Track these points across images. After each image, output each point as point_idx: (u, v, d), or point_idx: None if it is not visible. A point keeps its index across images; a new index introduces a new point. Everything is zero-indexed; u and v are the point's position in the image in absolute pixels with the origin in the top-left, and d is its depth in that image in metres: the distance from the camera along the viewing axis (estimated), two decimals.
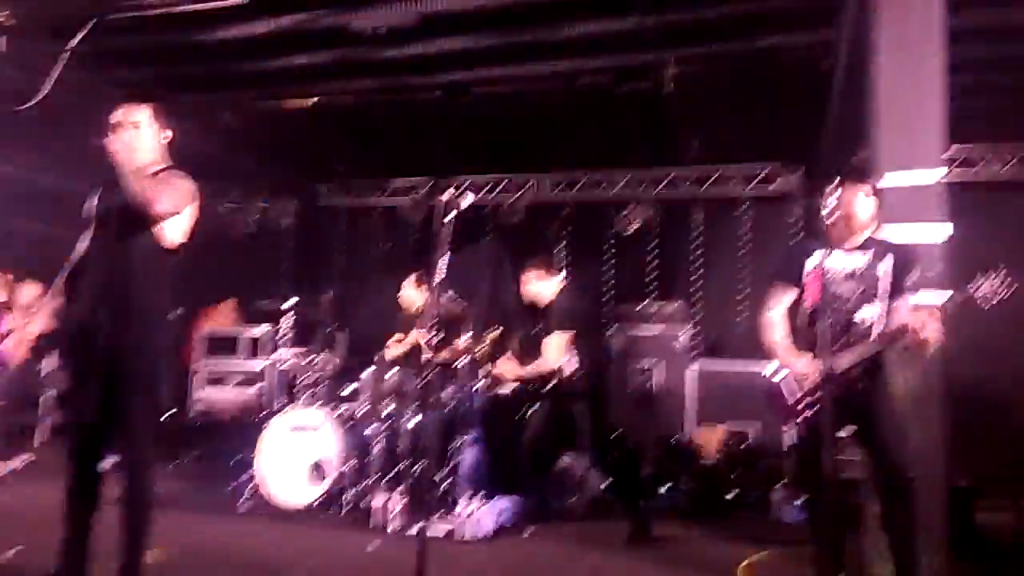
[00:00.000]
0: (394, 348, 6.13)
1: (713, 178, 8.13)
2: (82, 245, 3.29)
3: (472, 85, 7.02)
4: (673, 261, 8.22)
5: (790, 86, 6.31)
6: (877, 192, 3.60)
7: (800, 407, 3.46)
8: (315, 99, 7.56)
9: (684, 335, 7.07)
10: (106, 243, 3.19)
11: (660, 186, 8.27)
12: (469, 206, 3.55)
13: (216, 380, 7.43)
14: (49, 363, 6.80)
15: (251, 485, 5.32)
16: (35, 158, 8.87)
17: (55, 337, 3.58)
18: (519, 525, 4.99)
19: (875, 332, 3.43)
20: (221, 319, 8.15)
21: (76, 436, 3.20)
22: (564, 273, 5.52)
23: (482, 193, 8.95)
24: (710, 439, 6.29)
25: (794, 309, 3.69)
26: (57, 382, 7.96)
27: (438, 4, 5.56)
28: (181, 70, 6.90)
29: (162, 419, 7.29)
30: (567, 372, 5.23)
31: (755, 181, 8.04)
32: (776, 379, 3.60)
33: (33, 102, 6.31)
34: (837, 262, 3.47)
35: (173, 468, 6.65)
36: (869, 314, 3.46)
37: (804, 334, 3.53)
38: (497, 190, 8.95)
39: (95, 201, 3.27)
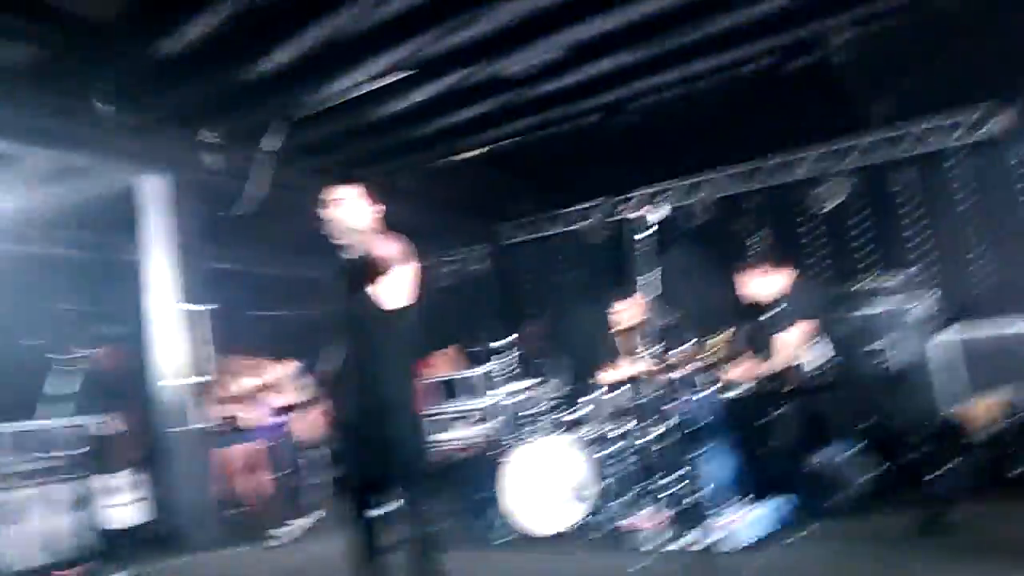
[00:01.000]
0: (610, 373, 6.18)
1: (916, 134, 7.54)
2: (326, 321, 3.48)
3: (630, 100, 7.06)
4: (887, 230, 7.69)
5: (984, 20, 5.77)
6: None
7: None
8: (485, 148, 7.94)
9: (919, 306, 6.52)
10: (348, 318, 3.39)
11: (854, 156, 7.79)
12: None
13: (445, 423, 7.87)
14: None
15: (501, 518, 5.49)
16: (255, 252, 9.97)
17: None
18: (786, 530, 4.74)
19: None
20: (445, 366, 8.63)
21: (356, 494, 3.41)
22: (785, 268, 5.27)
23: (659, 202, 8.88)
24: (976, 412, 5.69)
25: None
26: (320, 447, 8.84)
27: (583, 32, 5.66)
28: (362, 147, 7.47)
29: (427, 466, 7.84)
30: (807, 366, 4.97)
31: (960, 129, 7.36)
32: None
33: (255, 205, 7.14)
34: None
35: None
36: None
37: None
38: (675, 197, 8.85)
39: (329, 281, 3.51)
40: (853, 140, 7.78)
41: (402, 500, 3.36)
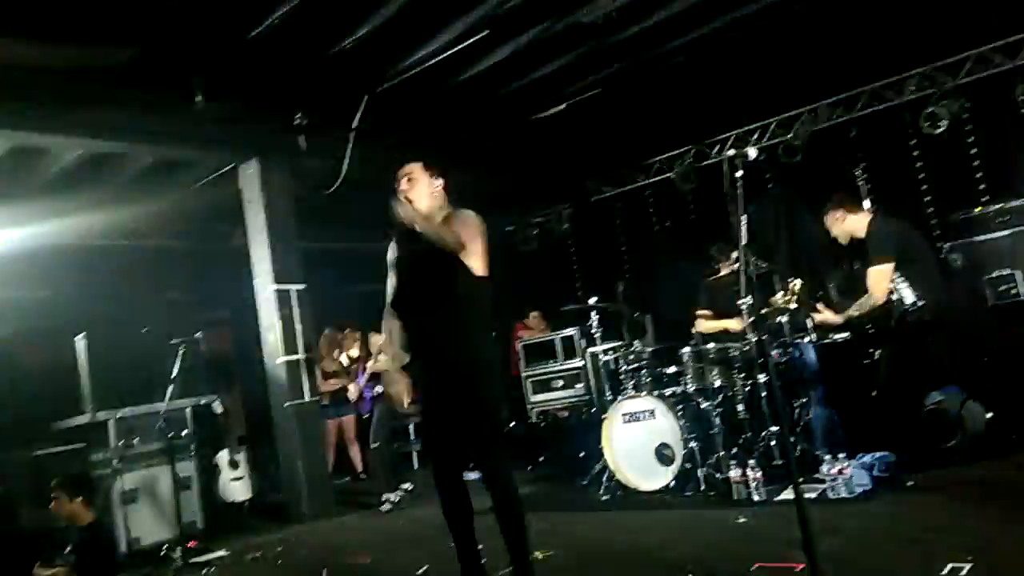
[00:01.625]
0: (706, 323, 5.97)
1: None
2: (389, 289, 3.53)
3: (715, 36, 6.71)
4: (1003, 153, 7.02)
5: None
6: None
7: None
8: (566, 103, 7.76)
9: None
10: (412, 285, 3.42)
11: (963, 73, 7.15)
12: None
13: (543, 385, 7.86)
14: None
15: (606, 475, 5.47)
16: (343, 230, 10.18)
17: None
18: (896, 477, 4.49)
19: None
20: (533, 331, 8.62)
21: (438, 459, 3.47)
22: (869, 202, 4.88)
23: (752, 143, 8.49)
24: None
25: None
26: (413, 413, 9.05)
27: None
28: (445, 115, 7.43)
29: (507, 430, 7.93)
30: (906, 303, 4.60)
31: None
32: None
33: (337, 184, 7.26)
34: None
35: (530, 472, 7.11)
36: None
37: None
38: (767, 136, 8.42)
39: (392, 252, 3.56)
40: (961, 56, 7.11)
41: (484, 465, 3.39)
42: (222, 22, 5.30)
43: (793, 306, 4.87)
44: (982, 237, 6.17)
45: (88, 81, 5.53)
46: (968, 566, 2.95)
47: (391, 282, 3.53)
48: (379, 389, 6.62)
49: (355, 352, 6.93)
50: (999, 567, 2.96)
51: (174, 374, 5.61)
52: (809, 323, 5.30)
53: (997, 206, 6.26)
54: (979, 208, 6.34)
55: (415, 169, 3.49)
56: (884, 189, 7.42)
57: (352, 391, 7.62)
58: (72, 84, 5.50)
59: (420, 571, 4.23)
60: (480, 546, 3.44)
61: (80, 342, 6.20)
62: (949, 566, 2.97)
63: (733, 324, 5.56)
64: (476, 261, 3.34)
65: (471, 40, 5.98)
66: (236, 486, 6.81)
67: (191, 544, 5.62)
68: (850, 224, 5.01)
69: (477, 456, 3.42)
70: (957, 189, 7.11)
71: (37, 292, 7.38)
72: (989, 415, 4.92)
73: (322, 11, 5.25)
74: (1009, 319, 5.83)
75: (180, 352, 5.57)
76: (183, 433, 6.27)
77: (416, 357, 3.45)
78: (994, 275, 6.00)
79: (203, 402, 6.51)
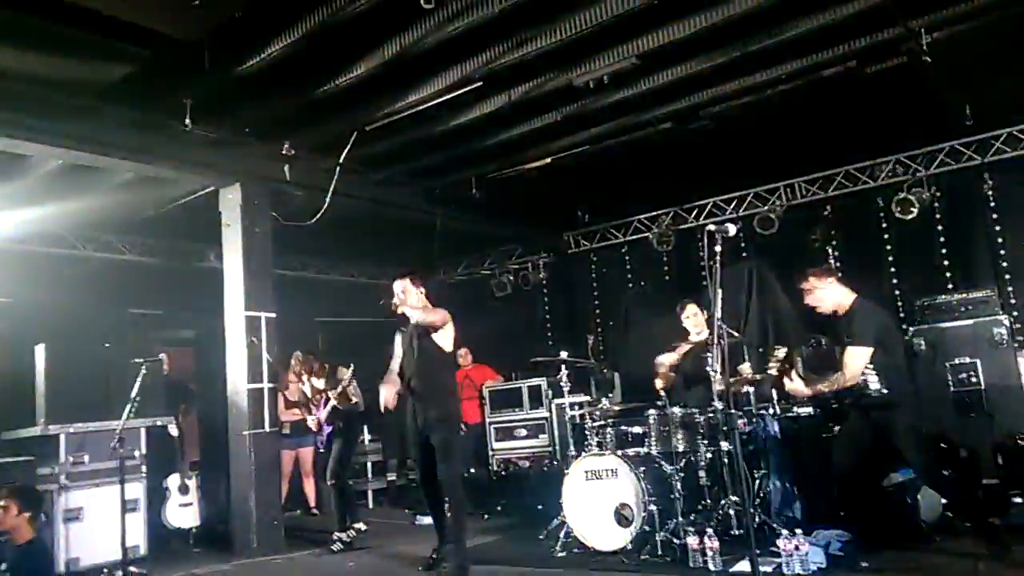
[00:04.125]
0: (661, 379, 6.04)
1: (999, 141, 7.14)
2: (394, 360, 5.25)
3: (701, 107, 6.89)
4: (968, 243, 7.29)
5: None
6: None
7: None
8: (552, 157, 7.87)
9: (1003, 324, 6.16)
10: (408, 354, 5.16)
11: (935, 164, 7.43)
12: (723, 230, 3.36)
13: (506, 432, 7.83)
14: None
15: (564, 531, 5.44)
16: (323, 260, 10.18)
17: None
18: (851, 557, 4.52)
19: None
20: (467, 369, 8.66)
21: (422, 468, 5.20)
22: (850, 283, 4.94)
23: (729, 211, 8.70)
24: None
25: None
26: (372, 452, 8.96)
27: (654, 40, 5.53)
28: (430, 159, 7.50)
29: (466, 474, 7.86)
30: (871, 387, 4.67)
31: None
32: None
33: (319, 215, 7.26)
34: None
35: (487, 521, 7.02)
36: None
37: None
38: (744, 207, 8.63)
39: (398, 335, 5.29)
40: (935, 147, 7.41)
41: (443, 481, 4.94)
42: (220, 49, 5.33)
43: (774, 372, 4.91)
44: (945, 324, 6.34)
45: (80, 94, 5.51)
46: None
47: (397, 352, 5.28)
48: (339, 424, 6.53)
49: (320, 383, 6.83)
50: None
51: (134, 393, 5.48)
52: (779, 392, 5.37)
53: (961, 295, 6.47)
54: (944, 296, 6.53)
55: (406, 285, 5.17)
56: (854, 268, 7.57)
57: (312, 423, 7.47)
58: (60, 94, 5.48)
59: None
60: None
61: (39, 351, 6.05)
62: None
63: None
64: (445, 342, 5.08)
65: (464, 89, 6.07)
66: (184, 512, 6.64)
67: (132, 569, 5.44)
68: (835, 295, 4.97)
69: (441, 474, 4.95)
70: (924, 275, 7.33)
71: None
72: (943, 501, 5.00)
73: (321, 49, 5.31)
74: (968, 407, 5.97)
75: (142, 372, 5.45)
76: (135, 453, 6.11)
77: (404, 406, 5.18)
78: (955, 362, 6.17)
79: (159, 423, 6.37)
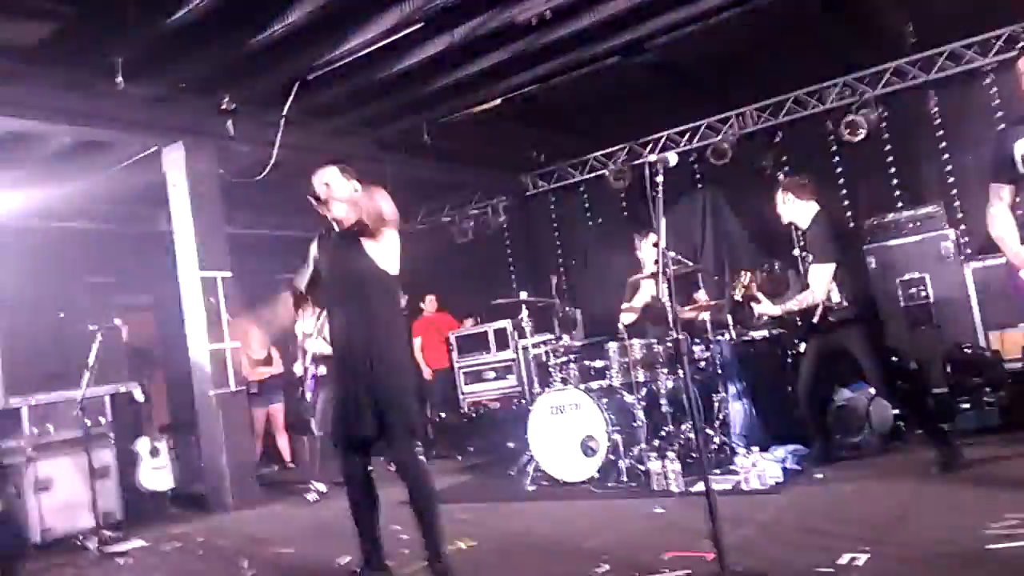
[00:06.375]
0: (627, 315, 6.12)
1: (943, 58, 7.19)
2: (301, 280, 3.73)
3: (648, 39, 6.83)
4: (916, 162, 7.40)
5: None
6: None
7: None
8: (501, 99, 7.78)
9: (949, 239, 6.32)
10: (334, 276, 3.56)
11: (882, 84, 7.48)
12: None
13: (475, 376, 7.92)
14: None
15: (533, 466, 5.57)
16: (279, 216, 10.02)
17: None
18: (807, 470, 4.72)
19: None
20: (431, 316, 8.68)
21: (347, 447, 3.52)
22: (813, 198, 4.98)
23: (683, 144, 8.71)
24: (1011, 341, 5.53)
25: None
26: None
27: None
28: (377, 106, 7.37)
29: (438, 420, 7.96)
30: (833, 300, 4.75)
31: (995, 50, 6.93)
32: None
33: (267, 171, 7.13)
34: None
35: (460, 462, 7.15)
36: None
37: None
38: (697, 138, 8.64)
39: (314, 247, 3.70)
40: (880, 68, 7.45)
41: (395, 457, 3.45)
42: (147, 2, 5.13)
43: (739, 297, 4.99)
44: (895, 241, 6.49)
45: (5, 57, 5.30)
46: (865, 556, 3.12)
47: (307, 273, 3.70)
48: (323, 370, 6.40)
49: (308, 327, 6.60)
50: (894, 557, 3.13)
51: (91, 361, 5.43)
52: (729, 319, 5.49)
53: (909, 212, 6.60)
54: (892, 213, 6.66)
55: (334, 175, 3.50)
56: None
57: (298, 368, 7.32)
58: None
59: (343, 561, 4.22)
60: (406, 536, 3.50)
61: None
62: (847, 556, 3.13)
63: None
64: (386, 259, 3.46)
65: (405, 31, 5.94)
66: (157, 475, 6.65)
67: (107, 534, 5.47)
68: (805, 211, 4.95)
69: (389, 448, 3.43)
70: (874, 195, 7.45)
71: None
72: (895, 412, 5.21)
73: None
74: (918, 320, 6.17)
75: (97, 339, 5.39)
76: (101, 420, 6.08)
77: (335, 345, 3.57)
78: (905, 277, 6.34)
79: (123, 389, 6.33)
